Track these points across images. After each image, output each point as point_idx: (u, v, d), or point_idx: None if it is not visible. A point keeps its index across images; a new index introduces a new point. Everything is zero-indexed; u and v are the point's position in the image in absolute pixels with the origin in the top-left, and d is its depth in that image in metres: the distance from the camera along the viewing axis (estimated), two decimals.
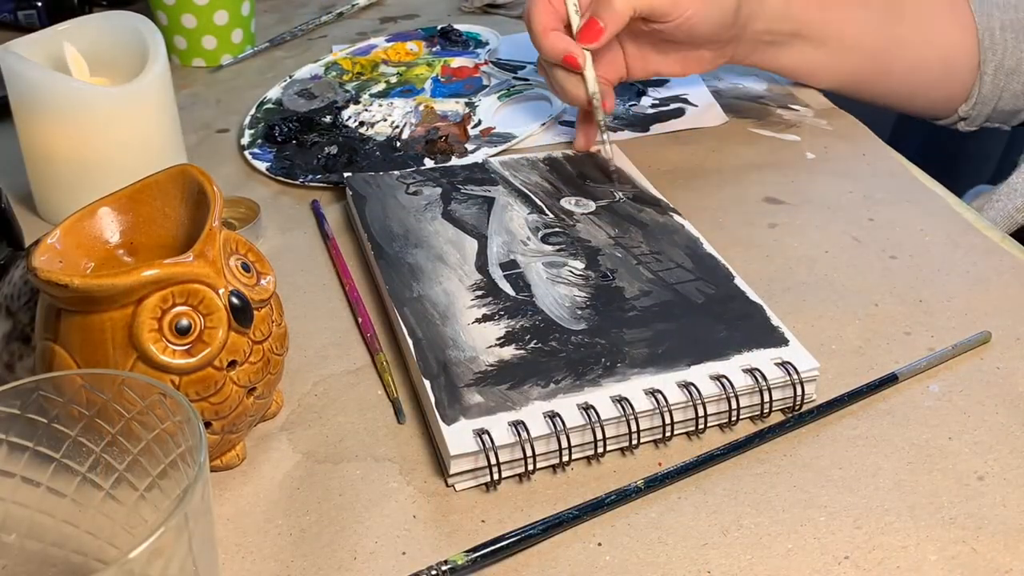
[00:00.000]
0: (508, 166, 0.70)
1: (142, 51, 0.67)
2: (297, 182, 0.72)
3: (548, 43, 0.67)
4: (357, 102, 0.82)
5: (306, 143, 0.77)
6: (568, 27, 0.68)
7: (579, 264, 0.59)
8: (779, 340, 0.52)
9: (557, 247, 0.60)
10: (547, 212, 0.64)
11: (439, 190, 0.67)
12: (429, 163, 0.73)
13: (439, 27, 0.94)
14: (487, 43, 0.92)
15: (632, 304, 0.55)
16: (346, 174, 0.69)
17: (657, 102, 0.82)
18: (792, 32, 0.75)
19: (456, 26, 0.94)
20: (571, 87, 0.68)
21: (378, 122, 0.79)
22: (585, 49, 0.67)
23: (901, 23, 0.77)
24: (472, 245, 0.61)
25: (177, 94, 0.71)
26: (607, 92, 0.70)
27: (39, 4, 0.97)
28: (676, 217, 0.63)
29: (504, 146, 0.75)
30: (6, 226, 0.58)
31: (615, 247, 0.60)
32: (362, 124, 0.79)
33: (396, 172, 0.69)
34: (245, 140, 0.78)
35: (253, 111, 0.82)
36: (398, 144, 0.76)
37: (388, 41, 0.93)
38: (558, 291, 0.56)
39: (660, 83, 0.85)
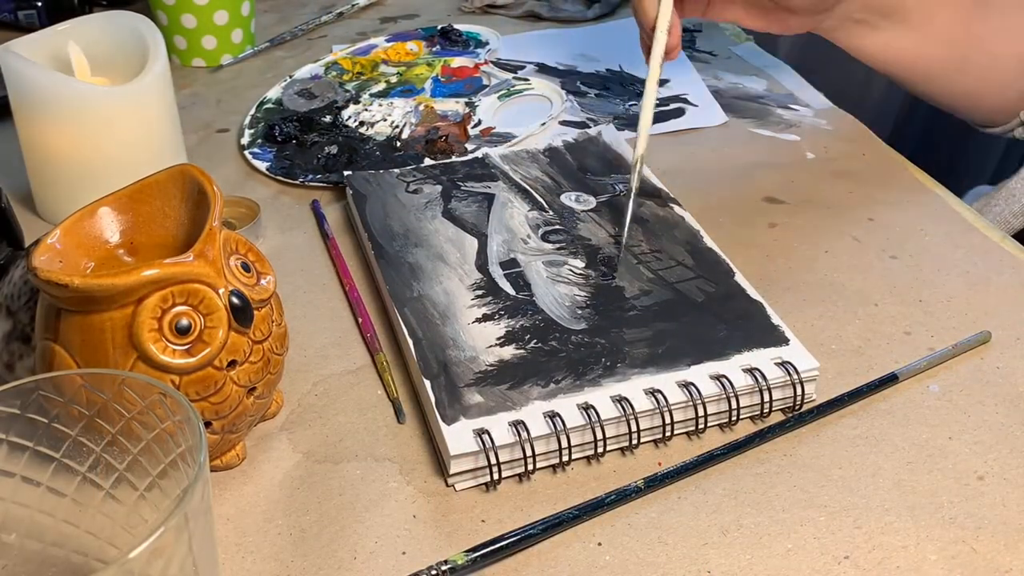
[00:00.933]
0: (508, 160, 0.70)
1: (142, 51, 0.67)
2: (297, 182, 0.72)
3: None
4: (357, 102, 0.82)
5: (306, 143, 0.77)
6: None
7: (579, 263, 0.59)
8: (779, 339, 0.52)
9: (557, 245, 0.60)
10: (547, 209, 0.64)
11: (439, 188, 0.66)
12: (429, 163, 0.73)
13: (439, 27, 0.94)
14: (487, 43, 0.92)
15: (632, 304, 0.55)
16: (346, 173, 0.69)
17: (657, 102, 0.82)
18: (885, 13, 0.72)
19: (456, 26, 0.94)
20: (647, 4, 0.67)
21: (378, 122, 0.79)
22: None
23: (986, 16, 0.74)
24: (472, 244, 0.61)
25: (177, 94, 0.71)
26: (674, 30, 0.67)
27: (39, 4, 0.97)
28: (676, 209, 0.63)
29: (504, 147, 0.75)
30: (6, 226, 0.58)
31: (615, 245, 0.60)
32: (362, 124, 0.79)
33: (396, 170, 0.69)
34: (245, 140, 0.78)
35: (253, 111, 0.82)
36: (398, 144, 0.76)
37: (388, 41, 0.93)
38: (558, 290, 0.56)
39: (660, 83, 0.85)
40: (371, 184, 0.67)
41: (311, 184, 0.72)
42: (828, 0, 0.69)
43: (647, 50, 0.69)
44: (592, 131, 0.73)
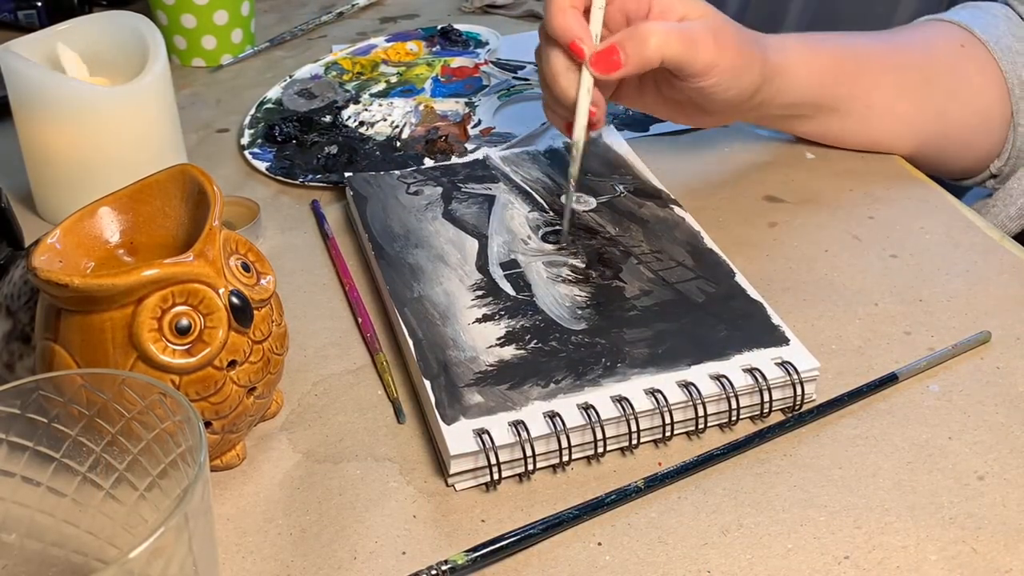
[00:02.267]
0: (509, 161, 0.70)
1: (142, 51, 0.67)
2: (297, 182, 0.72)
3: (560, 19, 0.58)
4: (357, 102, 0.82)
5: (306, 143, 0.77)
6: (587, 13, 0.60)
7: (579, 263, 0.59)
8: (779, 339, 0.52)
9: (558, 246, 0.60)
10: (548, 210, 0.64)
11: (440, 189, 0.66)
12: (429, 163, 0.73)
13: (439, 27, 0.94)
14: (487, 43, 0.92)
15: (632, 304, 0.55)
16: (347, 174, 0.69)
17: None
18: (814, 106, 0.69)
19: (456, 26, 0.94)
20: (562, 80, 0.60)
21: (378, 122, 0.79)
22: (592, 75, 0.59)
23: (936, 85, 0.72)
24: (472, 245, 0.61)
25: (177, 94, 0.71)
26: (597, 118, 0.62)
27: (39, 4, 0.97)
28: (677, 210, 0.63)
29: (504, 147, 0.75)
30: (6, 226, 0.58)
31: (616, 246, 0.60)
32: (362, 124, 0.79)
33: (397, 172, 0.69)
34: (245, 140, 0.78)
35: (253, 111, 0.82)
36: (398, 144, 0.76)
37: (388, 41, 0.93)
38: (558, 290, 0.56)
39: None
40: (371, 186, 0.67)
41: (311, 184, 0.72)
42: (743, 105, 0.65)
43: (559, 123, 0.63)
44: (592, 133, 0.73)
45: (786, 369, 0.50)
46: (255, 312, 0.45)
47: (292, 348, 0.54)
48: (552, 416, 0.48)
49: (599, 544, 0.45)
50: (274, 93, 0.84)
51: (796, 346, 0.52)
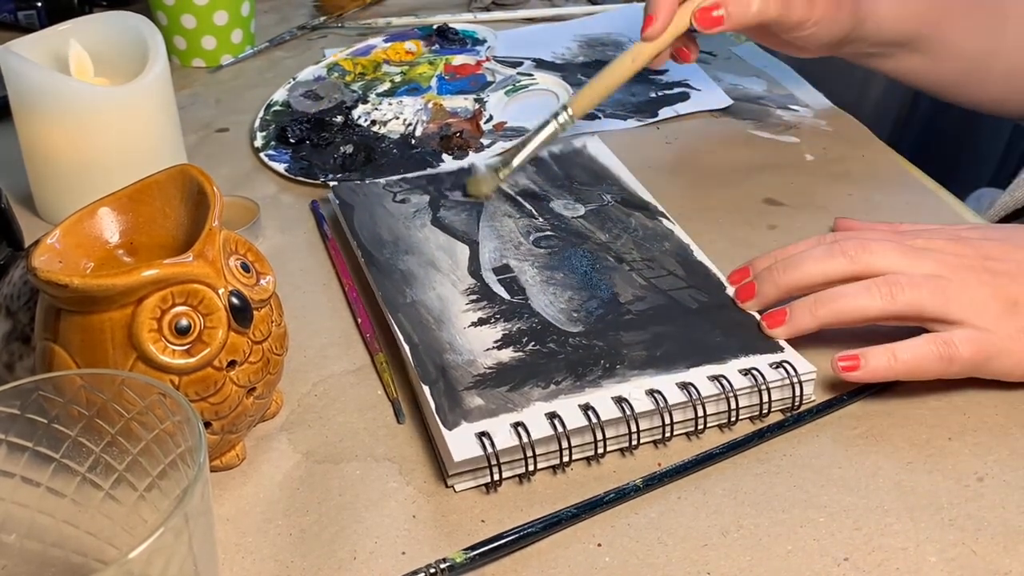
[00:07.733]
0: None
1: (142, 51, 0.67)
2: (319, 181, 0.72)
3: None
4: (365, 101, 0.82)
5: (321, 143, 0.76)
6: None
7: (572, 267, 0.59)
8: (774, 347, 0.52)
9: (549, 250, 0.60)
10: (537, 216, 0.64)
11: (427, 198, 0.66)
12: (447, 159, 0.73)
13: (435, 26, 0.94)
14: (484, 40, 0.92)
15: (627, 308, 0.55)
16: (331, 183, 0.69)
17: (660, 86, 0.83)
18: (896, 44, 0.73)
19: (452, 24, 0.94)
20: (664, 12, 0.65)
21: (390, 120, 0.79)
22: (692, 30, 0.66)
23: (1004, 29, 0.75)
24: (463, 251, 0.60)
25: (177, 94, 0.71)
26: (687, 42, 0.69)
27: (39, 4, 0.97)
28: (665, 222, 0.63)
29: (518, 140, 0.75)
30: (6, 226, 0.58)
31: (607, 253, 0.60)
32: (374, 123, 0.79)
33: (381, 180, 0.68)
34: (258, 142, 0.78)
35: (262, 113, 0.81)
36: (413, 141, 0.76)
37: (386, 41, 0.93)
38: (552, 293, 0.56)
39: (660, 72, 0.85)
40: (357, 194, 0.66)
41: (333, 184, 0.72)
42: (835, 47, 0.71)
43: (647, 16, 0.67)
44: (577, 143, 0.72)
45: (784, 370, 0.50)
46: (255, 312, 0.45)
47: (292, 348, 0.54)
48: (553, 417, 0.48)
49: (599, 545, 0.45)
50: (280, 95, 0.84)
51: (791, 353, 0.52)
